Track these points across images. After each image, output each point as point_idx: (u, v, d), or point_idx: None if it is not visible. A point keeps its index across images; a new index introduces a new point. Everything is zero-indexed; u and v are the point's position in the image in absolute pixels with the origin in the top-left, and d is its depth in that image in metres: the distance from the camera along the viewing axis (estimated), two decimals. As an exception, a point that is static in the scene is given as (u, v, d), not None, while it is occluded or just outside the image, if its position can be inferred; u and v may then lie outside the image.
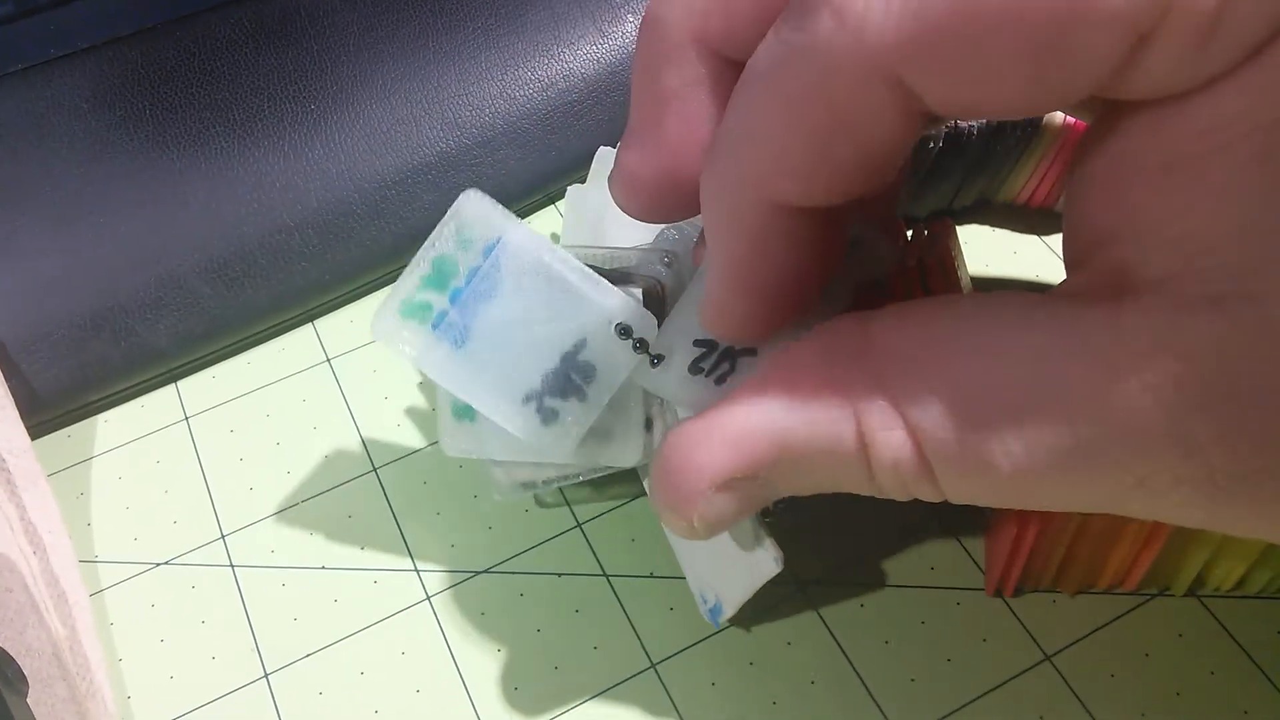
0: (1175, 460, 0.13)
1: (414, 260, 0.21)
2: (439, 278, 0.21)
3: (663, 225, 0.24)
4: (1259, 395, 0.12)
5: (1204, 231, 0.13)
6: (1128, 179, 0.13)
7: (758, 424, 0.16)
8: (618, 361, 0.20)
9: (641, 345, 0.20)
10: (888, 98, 0.13)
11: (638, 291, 0.22)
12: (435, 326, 0.21)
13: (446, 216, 0.21)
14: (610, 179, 0.18)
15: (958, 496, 0.15)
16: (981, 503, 0.15)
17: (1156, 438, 0.13)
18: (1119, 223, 0.14)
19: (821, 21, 0.13)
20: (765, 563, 0.21)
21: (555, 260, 0.21)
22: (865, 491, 0.16)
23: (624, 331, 0.20)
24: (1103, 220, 0.14)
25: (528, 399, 0.21)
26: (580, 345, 0.20)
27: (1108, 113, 0.14)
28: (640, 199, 0.17)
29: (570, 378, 0.21)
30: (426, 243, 0.21)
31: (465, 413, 0.23)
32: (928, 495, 0.15)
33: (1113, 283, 0.13)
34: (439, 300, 0.21)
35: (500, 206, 0.21)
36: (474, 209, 0.21)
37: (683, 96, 0.16)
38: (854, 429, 0.15)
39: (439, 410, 0.23)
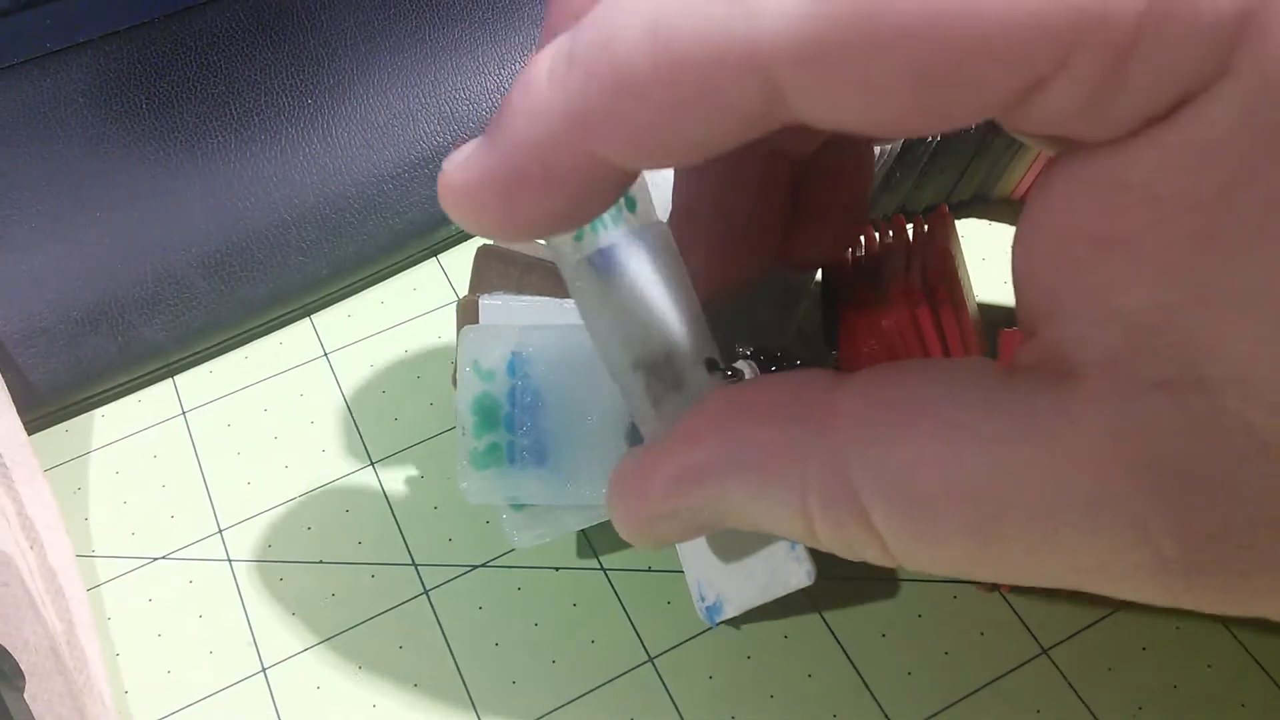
0: (1127, 549, 0.13)
1: (457, 421, 0.21)
2: (487, 419, 0.21)
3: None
4: (1209, 488, 0.12)
5: (1149, 309, 0.12)
6: (1070, 250, 0.13)
7: (705, 465, 0.16)
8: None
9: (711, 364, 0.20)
10: (759, 95, 0.12)
11: None
12: (513, 461, 0.21)
13: (459, 362, 0.21)
14: (446, 189, 0.15)
15: (912, 566, 0.15)
16: (936, 573, 0.15)
17: (1108, 527, 0.13)
18: (1061, 296, 0.13)
19: None
20: (796, 574, 0.21)
21: (569, 335, 0.20)
22: (808, 544, 0.16)
23: None
24: (1045, 292, 0.14)
25: None
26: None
27: (1047, 179, 0.14)
28: (483, 218, 0.15)
29: None
30: (457, 399, 0.21)
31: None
32: (878, 561, 0.15)
33: (1059, 360, 0.13)
34: (500, 436, 0.21)
35: (496, 325, 0.21)
36: (476, 342, 0.21)
37: (548, 175, 0.14)
38: (801, 494, 0.15)
39: (501, 515, 0.22)
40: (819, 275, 0.25)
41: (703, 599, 0.23)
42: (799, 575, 0.21)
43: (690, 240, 0.20)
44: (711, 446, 0.16)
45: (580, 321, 0.20)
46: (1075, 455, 0.13)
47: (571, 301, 0.21)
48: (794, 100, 0.12)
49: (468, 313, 0.23)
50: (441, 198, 0.15)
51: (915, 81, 0.12)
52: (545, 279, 0.23)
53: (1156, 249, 0.12)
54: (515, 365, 0.21)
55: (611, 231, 0.17)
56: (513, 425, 0.21)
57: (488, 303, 0.22)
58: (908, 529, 0.14)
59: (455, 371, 0.22)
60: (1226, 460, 0.12)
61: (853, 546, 0.15)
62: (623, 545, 0.25)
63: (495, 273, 0.23)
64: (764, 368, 0.21)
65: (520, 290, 0.23)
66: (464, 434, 0.21)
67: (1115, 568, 0.13)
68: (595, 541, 0.25)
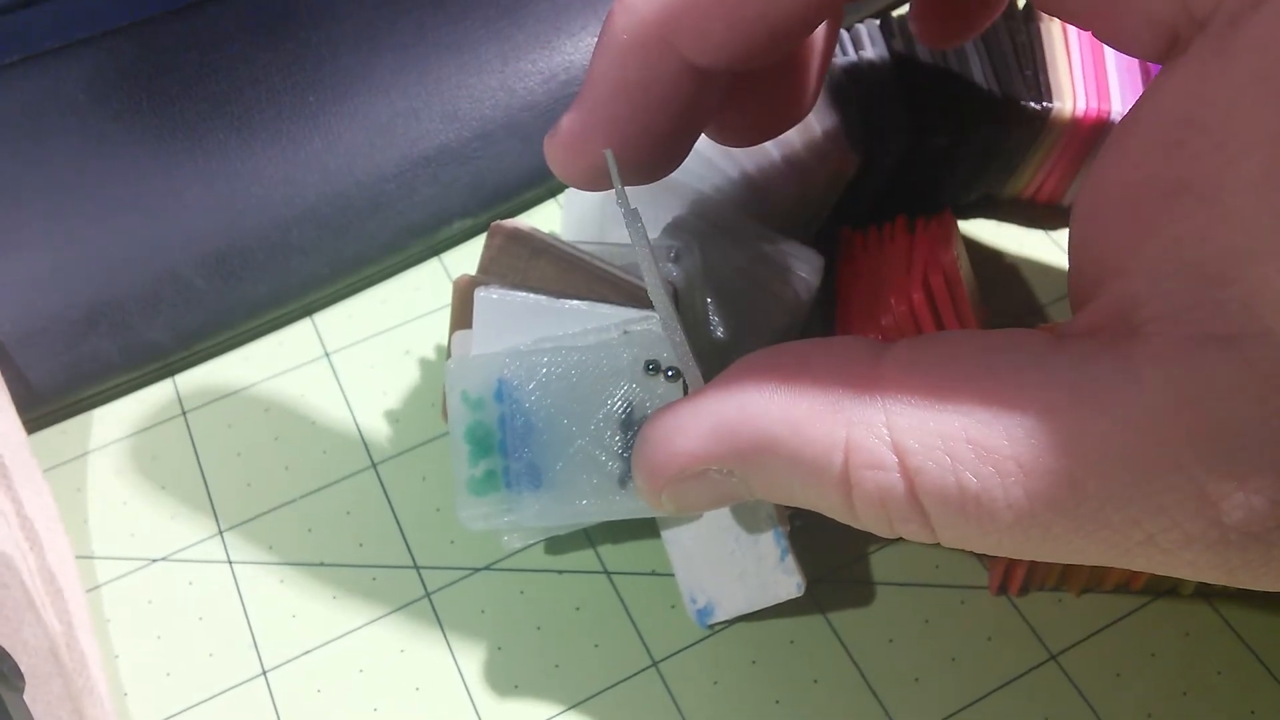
0: (1185, 518, 0.12)
1: (452, 451, 0.21)
2: (480, 446, 0.21)
3: (666, 222, 0.24)
4: (1272, 448, 0.12)
5: (1218, 260, 0.12)
6: (1138, 204, 0.13)
7: (745, 420, 0.15)
8: (666, 399, 0.20)
9: (674, 374, 0.20)
10: None
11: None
12: (509, 486, 0.21)
13: (447, 394, 0.21)
14: (548, 140, 0.18)
15: (952, 541, 0.14)
16: (977, 549, 0.14)
17: (1166, 494, 0.12)
18: (1129, 251, 0.13)
19: None
20: (785, 585, 0.21)
21: (553, 357, 0.21)
22: (842, 519, 0.15)
23: (652, 368, 0.20)
24: (1111, 249, 0.13)
25: (623, 482, 0.20)
26: (628, 408, 0.20)
27: (1119, 132, 0.14)
28: (577, 160, 0.18)
29: None
30: (450, 429, 0.21)
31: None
32: (917, 536, 0.15)
33: (1123, 319, 0.13)
34: (495, 462, 0.21)
35: (479, 355, 0.21)
36: (462, 372, 0.21)
37: (640, 87, 0.16)
38: (842, 456, 0.14)
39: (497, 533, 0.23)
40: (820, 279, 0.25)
41: (694, 601, 0.23)
42: (788, 586, 0.21)
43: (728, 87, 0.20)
44: (749, 399, 0.15)
45: (565, 344, 0.21)
46: (1136, 421, 0.12)
47: (566, 303, 0.21)
48: None
49: (463, 294, 0.23)
50: (549, 153, 0.18)
51: None
52: (552, 265, 0.22)
53: (1228, 194, 0.12)
54: (503, 392, 0.21)
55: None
56: (506, 450, 0.21)
57: (483, 295, 0.22)
58: (952, 500, 0.14)
59: (444, 401, 0.22)
60: None
61: (891, 520, 0.15)
62: (627, 549, 0.25)
63: (505, 252, 0.23)
64: None
65: (526, 274, 0.23)
66: (459, 463, 0.21)
67: (1168, 539, 0.13)
68: (599, 545, 0.25)
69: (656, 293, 0.18)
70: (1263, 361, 0.12)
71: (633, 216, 0.18)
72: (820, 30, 0.20)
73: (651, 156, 0.17)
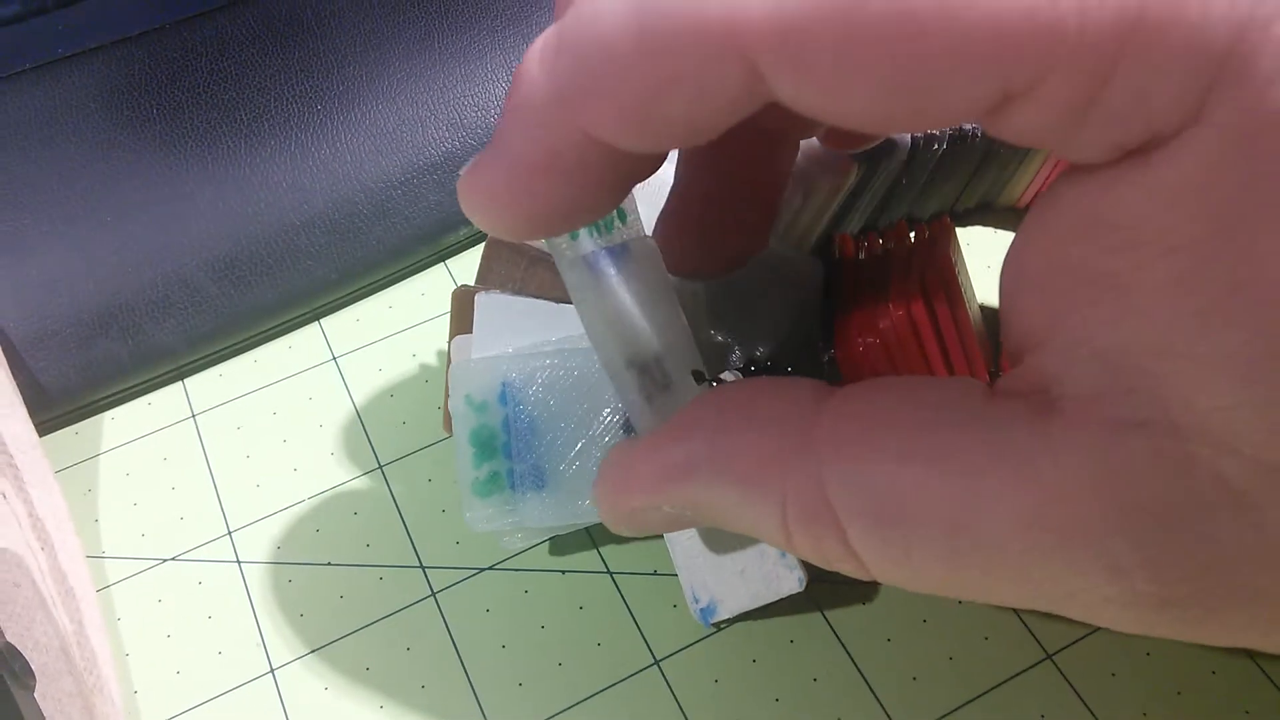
0: (1101, 582, 0.13)
1: (456, 454, 0.21)
2: (484, 448, 0.21)
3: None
4: (1182, 529, 0.12)
5: (1129, 350, 0.12)
6: (1056, 284, 0.13)
7: (691, 464, 0.16)
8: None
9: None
10: (738, 76, 0.12)
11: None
12: (514, 487, 0.21)
13: (451, 396, 0.21)
14: (463, 190, 0.16)
15: (888, 584, 0.15)
16: (916, 591, 0.15)
17: (1081, 561, 0.13)
18: (1046, 329, 0.13)
19: None
20: (787, 580, 0.22)
21: (555, 360, 0.21)
22: (788, 551, 0.16)
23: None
24: (1030, 323, 0.14)
25: None
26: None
27: (1038, 215, 0.14)
28: (498, 206, 0.16)
29: None
30: (454, 432, 0.22)
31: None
32: (857, 576, 0.15)
33: (1043, 390, 0.13)
34: (499, 465, 0.21)
35: (481, 356, 0.21)
36: (467, 375, 0.21)
37: (552, 161, 0.15)
38: (780, 507, 0.15)
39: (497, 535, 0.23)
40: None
41: (696, 600, 0.23)
42: (790, 582, 0.22)
43: (685, 221, 0.20)
44: (696, 447, 0.16)
45: (566, 346, 0.21)
46: (1052, 490, 0.13)
47: (565, 306, 0.22)
48: (773, 84, 0.12)
49: (462, 302, 0.23)
50: (461, 201, 0.16)
51: (884, 80, 0.12)
52: (550, 273, 0.23)
53: (1139, 292, 0.12)
54: (506, 395, 0.21)
55: (602, 239, 0.18)
56: (510, 453, 0.21)
57: (484, 299, 0.22)
58: (881, 550, 0.14)
59: (445, 403, 0.22)
60: (1198, 504, 0.12)
61: (829, 561, 0.15)
62: (629, 549, 0.26)
63: (503, 261, 0.23)
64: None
65: (524, 283, 0.23)
66: (464, 465, 0.21)
67: (1088, 598, 0.13)
68: (602, 545, 0.26)
69: (612, 365, 0.18)
70: (1172, 451, 0.12)
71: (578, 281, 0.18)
72: (774, 164, 0.20)
73: (587, 211, 0.16)
